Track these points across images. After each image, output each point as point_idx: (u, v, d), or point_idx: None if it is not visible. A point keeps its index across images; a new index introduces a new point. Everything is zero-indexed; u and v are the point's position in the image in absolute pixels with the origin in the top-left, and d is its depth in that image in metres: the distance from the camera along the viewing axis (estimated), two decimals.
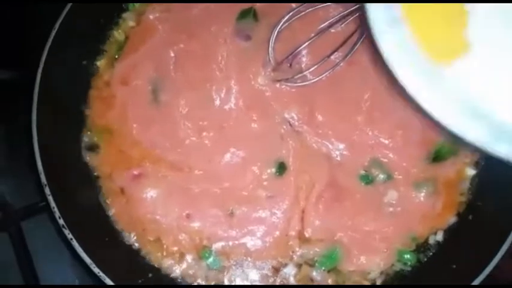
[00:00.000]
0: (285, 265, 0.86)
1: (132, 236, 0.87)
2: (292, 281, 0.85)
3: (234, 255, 0.86)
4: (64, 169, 0.85)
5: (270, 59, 0.89)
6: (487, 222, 0.84)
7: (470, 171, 0.89)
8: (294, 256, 0.86)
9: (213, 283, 0.86)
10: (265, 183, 0.88)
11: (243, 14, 0.93)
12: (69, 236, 0.78)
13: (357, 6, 0.87)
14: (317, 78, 0.89)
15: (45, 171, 0.80)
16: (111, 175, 0.89)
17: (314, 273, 0.85)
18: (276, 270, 0.85)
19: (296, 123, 0.90)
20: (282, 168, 0.88)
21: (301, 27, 0.91)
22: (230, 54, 0.92)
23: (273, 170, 0.88)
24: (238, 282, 0.85)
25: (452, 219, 0.88)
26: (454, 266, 0.81)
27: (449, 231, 0.87)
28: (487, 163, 0.88)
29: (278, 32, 0.88)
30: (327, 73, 0.89)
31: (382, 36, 0.61)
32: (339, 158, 0.89)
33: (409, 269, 0.86)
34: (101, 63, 0.95)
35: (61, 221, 0.78)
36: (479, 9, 0.62)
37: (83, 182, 0.89)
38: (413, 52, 0.61)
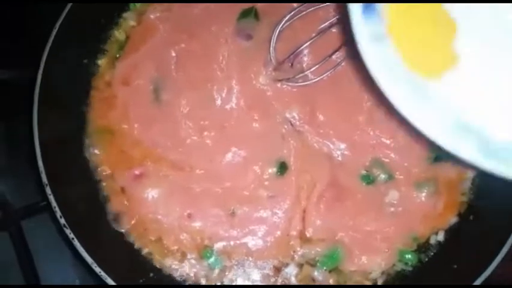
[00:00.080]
0: (286, 265, 0.86)
1: (133, 235, 0.87)
2: (293, 281, 0.85)
3: (236, 255, 0.86)
4: (65, 169, 0.85)
5: (271, 58, 0.89)
6: (488, 222, 0.84)
7: (472, 172, 0.89)
8: (295, 256, 0.86)
9: (214, 283, 0.85)
10: (266, 183, 0.88)
11: (244, 14, 0.93)
12: (71, 235, 0.78)
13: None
14: (318, 78, 0.89)
15: (46, 170, 0.80)
16: (112, 175, 0.89)
17: (315, 273, 0.85)
18: (278, 270, 0.85)
19: (297, 122, 0.90)
20: (283, 168, 0.88)
21: (303, 27, 0.91)
22: (231, 53, 0.92)
23: (274, 169, 0.88)
24: (240, 282, 0.85)
25: (453, 219, 0.88)
26: (455, 266, 0.82)
27: (451, 231, 0.87)
28: None
29: (279, 31, 0.88)
30: (328, 73, 0.89)
31: (367, 52, 0.58)
32: (340, 158, 0.89)
33: (410, 269, 0.86)
34: (101, 62, 0.94)
35: (62, 221, 0.78)
36: (468, 19, 0.60)
37: (84, 182, 0.88)
38: (399, 68, 0.59)
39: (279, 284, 0.85)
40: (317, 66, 0.88)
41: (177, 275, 0.86)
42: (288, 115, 0.90)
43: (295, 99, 0.90)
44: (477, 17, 0.61)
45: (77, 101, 0.92)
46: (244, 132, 0.89)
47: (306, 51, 0.90)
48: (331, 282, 0.85)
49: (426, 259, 0.86)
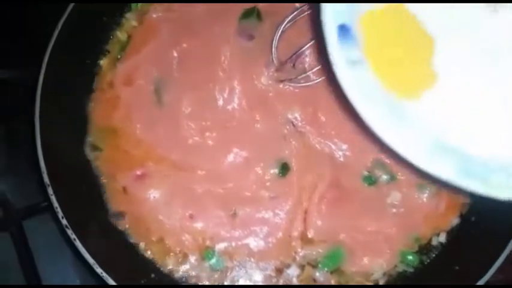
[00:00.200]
0: (288, 266, 0.85)
1: (135, 236, 0.87)
2: (295, 282, 0.85)
3: (237, 255, 0.86)
4: (67, 169, 0.85)
5: (274, 59, 0.89)
6: (490, 223, 0.84)
7: None
8: (296, 257, 0.85)
9: (215, 283, 0.85)
10: (268, 183, 0.87)
11: (246, 14, 0.93)
12: (73, 236, 0.77)
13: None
14: (321, 79, 0.88)
15: (48, 171, 0.80)
16: (114, 175, 0.89)
17: (317, 274, 0.85)
18: (279, 271, 0.85)
19: (299, 123, 0.90)
20: (284, 168, 0.88)
21: (305, 27, 0.90)
22: (233, 54, 0.92)
23: (276, 170, 0.88)
24: (241, 283, 0.85)
25: (455, 220, 0.88)
26: (457, 268, 0.81)
27: (452, 233, 0.87)
28: None
29: (282, 31, 0.88)
30: None
31: (344, 77, 0.57)
32: (342, 159, 0.89)
33: (411, 270, 0.86)
34: (103, 63, 0.94)
35: (64, 221, 0.78)
36: (445, 35, 0.60)
37: (85, 182, 0.88)
38: (377, 91, 0.57)
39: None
40: (319, 66, 0.88)
41: (178, 275, 0.85)
42: (289, 116, 0.90)
43: (297, 99, 0.90)
44: (454, 33, 0.61)
45: (79, 102, 0.91)
46: (246, 133, 0.89)
47: (308, 52, 0.90)
48: (332, 283, 0.85)
49: (428, 260, 0.86)
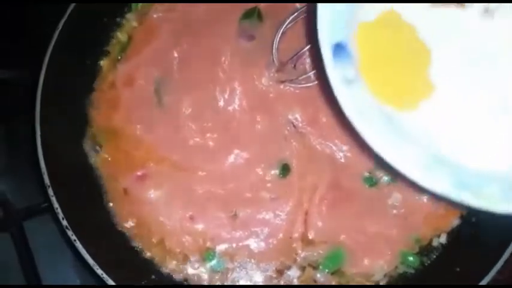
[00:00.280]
0: (289, 267, 0.85)
1: (135, 237, 0.87)
2: (295, 283, 0.85)
3: (238, 257, 0.86)
4: (67, 170, 0.85)
5: (274, 59, 0.89)
6: (491, 224, 0.83)
7: None
8: (297, 258, 0.85)
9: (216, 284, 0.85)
10: (268, 184, 0.87)
11: (247, 14, 0.93)
12: (73, 237, 0.77)
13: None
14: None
15: (48, 171, 0.79)
16: (114, 176, 0.89)
17: (318, 276, 0.85)
18: (280, 272, 0.85)
19: (300, 124, 0.90)
20: (285, 169, 0.88)
21: (306, 28, 0.90)
22: (234, 54, 0.91)
23: (277, 171, 0.88)
24: (242, 284, 0.85)
25: (455, 221, 0.88)
26: (458, 269, 0.81)
27: (453, 234, 0.87)
28: None
29: (282, 32, 0.88)
30: None
31: (340, 94, 0.57)
32: (342, 160, 0.88)
33: (412, 271, 0.86)
34: (104, 63, 0.94)
35: (64, 222, 0.78)
36: (441, 44, 0.60)
37: (86, 183, 0.88)
38: (374, 108, 0.57)
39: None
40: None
41: (179, 277, 0.85)
42: (290, 116, 0.90)
43: (298, 100, 0.90)
44: (449, 41, 0.61)
45: (79, 102, 0.91)
46: (246, 134, 0.89)
47: (309, 53, 0.90)
48: (333, 284, 0.85)
49: (428, 261, 0.86)
